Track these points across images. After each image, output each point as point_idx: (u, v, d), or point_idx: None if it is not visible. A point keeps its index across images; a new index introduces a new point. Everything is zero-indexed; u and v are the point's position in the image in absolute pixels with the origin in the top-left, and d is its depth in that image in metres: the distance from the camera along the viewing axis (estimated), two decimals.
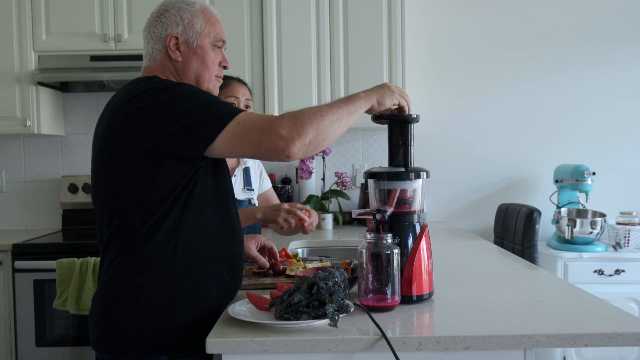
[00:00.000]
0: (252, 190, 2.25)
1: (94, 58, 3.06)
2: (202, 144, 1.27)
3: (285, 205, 1.85)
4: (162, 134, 1.28)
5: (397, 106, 1.45)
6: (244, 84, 2.12)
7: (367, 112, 1.42)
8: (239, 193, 2.18)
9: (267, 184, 2.34)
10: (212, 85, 1.49)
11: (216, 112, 1.28)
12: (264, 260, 1.73)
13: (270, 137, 1.25)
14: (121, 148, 1.32)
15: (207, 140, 1.27)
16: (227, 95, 2.04)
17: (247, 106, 2.10)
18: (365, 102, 1.38)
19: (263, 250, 1.79)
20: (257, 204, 2.25)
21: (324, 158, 3.25)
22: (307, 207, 1.86)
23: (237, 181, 2.18)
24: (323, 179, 3.33)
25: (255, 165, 2.30)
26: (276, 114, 3.08)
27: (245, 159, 2.24)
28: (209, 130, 1.27)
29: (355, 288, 1.47)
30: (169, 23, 1.44)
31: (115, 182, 1.35)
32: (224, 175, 1.47)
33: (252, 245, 1.73)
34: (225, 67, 1.52)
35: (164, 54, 1.45)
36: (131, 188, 1.32)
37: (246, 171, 2.24)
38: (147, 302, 1.33)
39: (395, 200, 1.43)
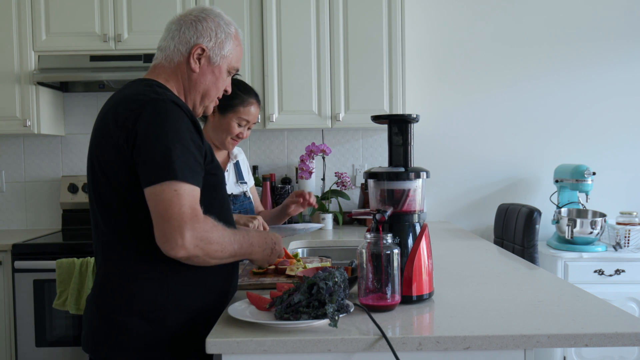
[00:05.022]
0: (245, 183, 2.27)
1: (93, 58, 3.05)
2: (143, 182, 1.26)
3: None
4: (132, 150, 1.28)
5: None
6: (259, 101, 2.14)
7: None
8: (233, 187, 2.20)
9: (251, 182, 2.36)
10: (212, 105, 1.52)
11: (172, 160, 1.24)
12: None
13: (173, 232, 1.21)
14: (108, 153, 1.32)
15: (145, 182, 1.25)
16: (243, 117, 2.06)
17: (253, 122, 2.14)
18: (252, 258, 1.46)
19: None
20: (251, 197, 2.28)
21: (324, 158, 3.25)
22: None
23: (229, 176, 2.20)
24: (323, 179, 3.33)
25: (244, 159, 2.33)
26: (276, 114, 3.09)
27: (235, 153, 2.25)
28: (152, 174, 1.24)
29: (355, 288, 1.47)
30: (203, 33, 1.43)
31: (104, 186, 1.34)
32: (217, 175, 1.46)
33: None
34: (225, 92, 1.54)
35: (184, 59, 1.44)
36: (120, 189, 1.32)
37: (237, 165, 2.26)
38: (137, 307, 1.33)
39: (407, 201, 1.43)
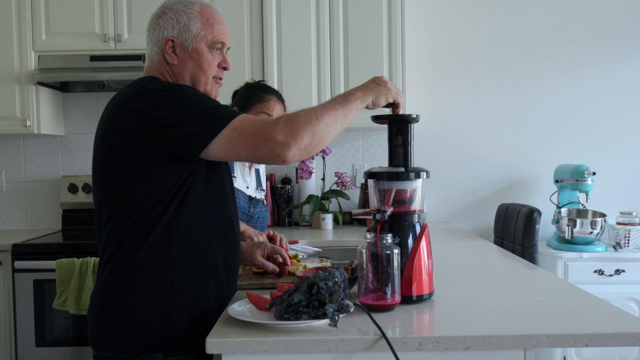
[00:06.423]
0: (263, 190, 2.29)
1: (93, 58, 3.05)
2: (197, 147, 1.28)
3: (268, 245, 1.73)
4: (158, 136, 1.29)
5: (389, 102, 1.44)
6: (282, 100, 2.10)
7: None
8: (254, 192, 2.20)
9: (265, 190, 2.37)
10: (210, 88, 1.49)
11: (212, 115, 1.29)
12: (273, 265, 1.68)
13: (265, 143, 1.26)
14: (118, 147, 1.33)
15: (202, 143, 1.28)
16: (260, 110, 2.02)
17: None
18: (361, 102, 1.37)
19: (270, 258, 1.72)
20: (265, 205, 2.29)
21: (324, 158, 3.25)
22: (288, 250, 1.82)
23: (252, 181, 2.20)
24: (323, 179, 3.33)
25: (262, 167, 2.33)
26: None
27: None
28: (204, 134, 1.27)
29: (355, 288, 1.47)
30: (165, 26, 1.44)
31: (112, 181, 1.36)
32: (222, 174, 1.47)
33: (257, 254, 1.69)
34: (225, 69, 1.51)
35: (161, 57, 1.46)
36: (127, 187, 1.33)
37: (257, 172, 2.27)
38: (142, 300, 1.34)
39: (391, 200, 1.43)
